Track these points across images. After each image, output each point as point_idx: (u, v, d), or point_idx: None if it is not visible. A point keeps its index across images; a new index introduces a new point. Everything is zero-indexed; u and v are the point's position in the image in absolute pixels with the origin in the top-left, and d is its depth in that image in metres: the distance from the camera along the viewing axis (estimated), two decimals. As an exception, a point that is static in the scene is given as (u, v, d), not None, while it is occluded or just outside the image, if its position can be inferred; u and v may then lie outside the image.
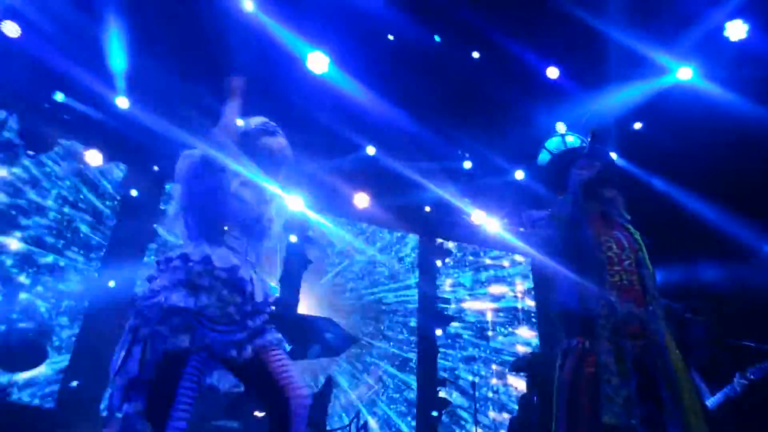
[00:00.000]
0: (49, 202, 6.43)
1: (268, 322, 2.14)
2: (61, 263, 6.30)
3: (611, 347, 1.98)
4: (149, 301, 1.89)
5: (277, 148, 2.37)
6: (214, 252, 2.01)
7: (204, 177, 2.10)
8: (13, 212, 6.17)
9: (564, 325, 2.23)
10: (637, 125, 6.88)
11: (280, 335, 2.15)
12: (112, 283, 6.28)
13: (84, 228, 6.59)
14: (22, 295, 5.96)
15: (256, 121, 2.41)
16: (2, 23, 5.40)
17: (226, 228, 2.11)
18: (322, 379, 6.51)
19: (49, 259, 6.25)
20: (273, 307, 2.19)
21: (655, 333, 2.03)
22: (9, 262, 6.03)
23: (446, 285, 8.53)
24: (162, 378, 1.84)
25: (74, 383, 5.80)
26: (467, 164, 7.64)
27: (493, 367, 8.14)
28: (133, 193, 6.85)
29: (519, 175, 7.63)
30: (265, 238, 2.25)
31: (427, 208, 8.22)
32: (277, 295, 2.09)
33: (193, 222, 2.14)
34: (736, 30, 5.57)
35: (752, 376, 4.41)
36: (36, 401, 5.71)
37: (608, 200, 2.35)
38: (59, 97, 6.27)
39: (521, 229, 7.64)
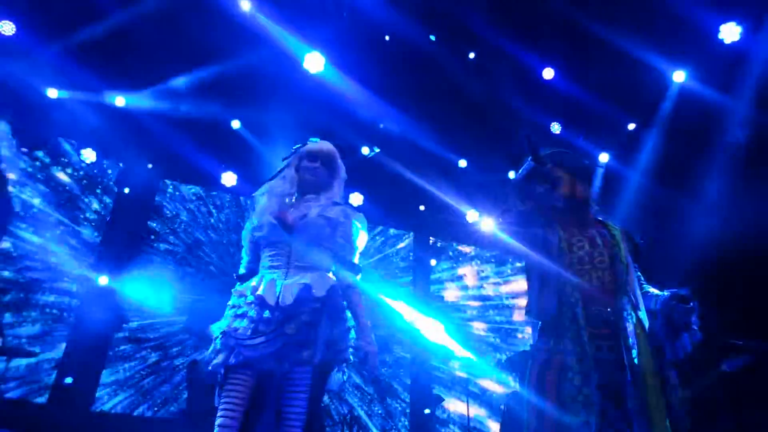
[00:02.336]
0: (39, 200, 6.40)
1: (312, 324, 2.04)
2: (53, 260, 6.27)
3: (574, 347, 2.00)
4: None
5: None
6: (253, 279, 2.16)
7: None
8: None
9: (534, 327, 2.27)
10: (631, 126, 6.93)
11: (311, 350, 2.01)
12: (105, 280, 6.28)
13: (77, 225, 6.56)
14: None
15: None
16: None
17: (263, 254, 2.25)
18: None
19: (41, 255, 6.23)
20: (317, 305, 2.07)
21: (623, 330, 2.03)
22: None
23: (440, 284, 8.55)
24: (213, 393, 2.07)
25: (68, 380, 5.79)
26: (462, 163, 7.65)
27: (486, 365, 8.18)
28: (126, 190, 6.84)
29: (513, 175, 7.63)
30: (306, 233, 2.20)
31: (422, 207, 8.22)
32: (320, 293, 1.95)
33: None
34: (730, 32, 5.61)
35: (727, 369, 4.53)
36: (28, 396, 5.69)
37: (540, 195, 2.32)
38: (53, 93, 6.24)
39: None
